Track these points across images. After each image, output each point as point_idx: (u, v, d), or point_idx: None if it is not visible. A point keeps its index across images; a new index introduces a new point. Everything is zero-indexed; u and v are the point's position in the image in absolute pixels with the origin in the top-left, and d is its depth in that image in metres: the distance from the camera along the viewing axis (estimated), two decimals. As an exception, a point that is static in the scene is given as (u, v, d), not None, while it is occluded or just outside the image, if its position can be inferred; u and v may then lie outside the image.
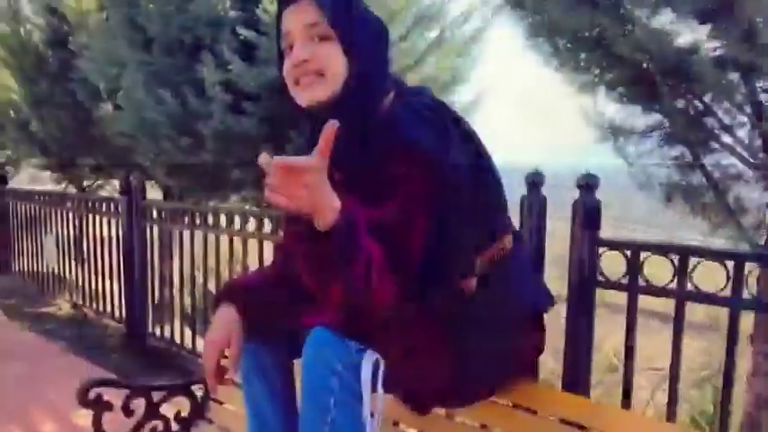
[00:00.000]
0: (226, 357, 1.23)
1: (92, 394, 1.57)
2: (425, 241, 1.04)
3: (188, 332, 3.44)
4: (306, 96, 1.15)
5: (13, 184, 8.11)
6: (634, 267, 1.66)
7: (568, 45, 3.05)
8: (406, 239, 1.03)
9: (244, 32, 3.30)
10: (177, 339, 3.48)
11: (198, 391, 1.90)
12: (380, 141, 1.08)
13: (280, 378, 1.29)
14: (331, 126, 0.92)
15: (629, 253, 1.67)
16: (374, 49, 1.16)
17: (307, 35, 1.13)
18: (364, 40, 1.14)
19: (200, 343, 3.31)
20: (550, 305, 1.26)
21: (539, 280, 1.31)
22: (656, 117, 3.00)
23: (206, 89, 3.44)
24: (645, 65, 2.66)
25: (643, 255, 1.65)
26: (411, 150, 1.05)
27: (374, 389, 1.01)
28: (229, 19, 3.57)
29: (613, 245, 1.70)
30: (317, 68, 1.13)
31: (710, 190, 2.71)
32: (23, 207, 5.34)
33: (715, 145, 2.69)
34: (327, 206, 0.94)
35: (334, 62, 1.13)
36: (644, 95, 2.83)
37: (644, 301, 1.77)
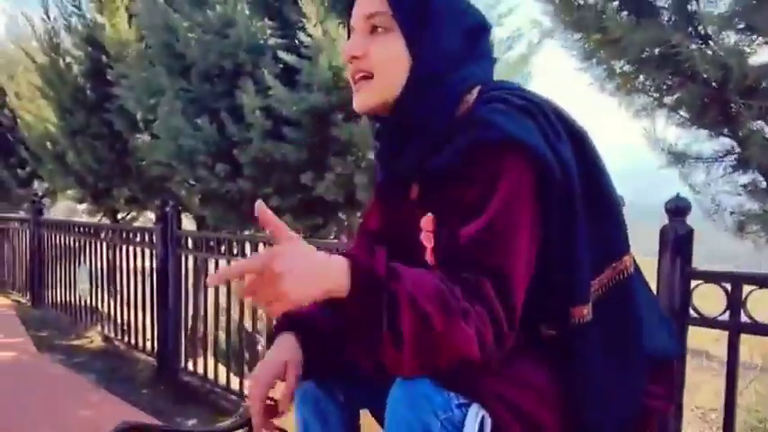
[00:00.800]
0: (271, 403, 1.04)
1: (126, 439, 1.42)
2: (528, 258, 0.86)
3: (222, 367, 3.27)
4: (354, 102, 1.00)
5: (49, 216, 8.19)
6: (736, 302, 1.46)
7: (625, 67, 2.90)
8: (504, 259, 0.84)
9: (286, 57, 3.21)
10: (211, 375, 3.32)
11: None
12: (462, 141, 0.90)
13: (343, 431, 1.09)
14: (260, 206, 0.79)
15: (728, 286, 1.47)
16: (454, 45, 0.96)
17: (366, 27, 0.97)
18: (439, 34, 0.94)
19: (234, 379, 3.15)
20: (678, 353, 1.04)
21: (664, 318, 1.08)
22: (723, 141, 2.81)
23: (245, 115, 3.35)
24: (715, 84, 2.49)
25: (746, 289, 1.45)
26: (502, 144, 0.86)
27: None
28: (270, 45, 3.50)
29: (710, 276, 1.51)
30: (365, 68, 0.96)
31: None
32: (58, 238, 5.30)
33: (795, 171, 2.49)
34: (325, 274, 0.78)
35: (388, 63, 0.95)
36: (712, 118, 2.65)
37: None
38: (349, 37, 1.02)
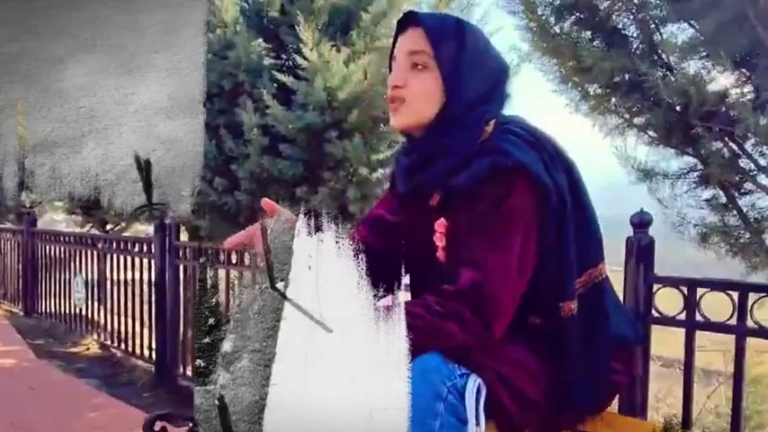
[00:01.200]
0: None
1: (157, 426, 1.58)
2: (520, 258, 1.06)
3: (221, 372, 3.42)
4: (391, 121, 1.20)
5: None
6: (691, 303, 1.68)
7: (599, 90, 3.14)
8: (496, 258, 1.05)
9: (282, 78, 3.40)
10: (209, 379, 3.46)
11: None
12: (482, 164, 1.09)
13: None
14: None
15: (685, 289, 1.69)
16: (481, 87, 1.15)
17: (408, 62, 1.16)
18: (470, 76, 1.14)
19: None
20: (639, 342, 1.26)
21: (627, 313, 1.31)
22: (687, 160, 3.06)
23: (244, 132, 3.53)
24: (678, 108, 2.73)
25: (700, 291, 1.67)
26: (514, 169, 1.06)
27: (477, 419, 1.01)
28: (267, 65, 3.69)
29: (669, 281, 1.73)
30: (402, 96, 1.16)
31: (747, 231, 2.74)
32: (51, 248, 5.38)
33: (750, 186, 2.74)
34: None
35: (423, 94, 1.15)
36: (677, 138, 2.90)
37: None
38: (390, 67, 1.22)
